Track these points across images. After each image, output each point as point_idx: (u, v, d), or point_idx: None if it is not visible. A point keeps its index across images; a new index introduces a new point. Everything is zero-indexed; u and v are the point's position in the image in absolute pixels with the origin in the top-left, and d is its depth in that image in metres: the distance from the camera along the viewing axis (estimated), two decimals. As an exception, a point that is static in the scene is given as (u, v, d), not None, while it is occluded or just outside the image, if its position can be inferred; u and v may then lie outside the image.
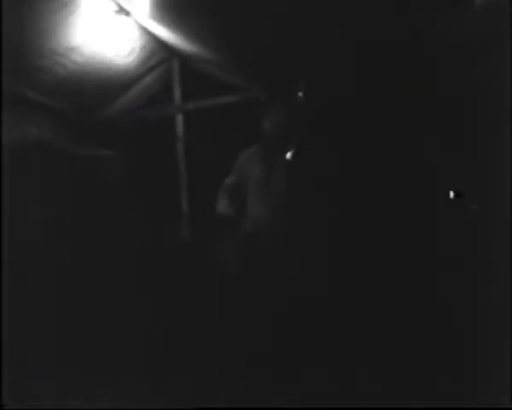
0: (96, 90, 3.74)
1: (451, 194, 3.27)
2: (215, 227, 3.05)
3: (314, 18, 3.27)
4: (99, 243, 3.45)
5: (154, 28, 3.34)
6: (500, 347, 2.41)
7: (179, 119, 4.17)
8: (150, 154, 4.13)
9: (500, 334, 2.43)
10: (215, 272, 3.10)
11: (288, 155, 3.10)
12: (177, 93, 4.14)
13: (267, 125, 3.02)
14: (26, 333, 2.65)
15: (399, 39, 3.28)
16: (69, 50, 3.14)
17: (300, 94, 3.98)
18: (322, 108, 3.66)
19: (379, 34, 3.22)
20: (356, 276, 3.15)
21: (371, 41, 3.28)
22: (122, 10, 3.02)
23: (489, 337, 2.55)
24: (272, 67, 3.94)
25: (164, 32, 3.42)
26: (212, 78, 4.05)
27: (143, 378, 2.66)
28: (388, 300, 3.09)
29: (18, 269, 2.78)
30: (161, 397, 2.51)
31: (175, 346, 2.89)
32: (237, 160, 3.10)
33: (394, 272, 3.21)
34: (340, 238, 3.11)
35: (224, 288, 2.96)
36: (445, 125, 3.38)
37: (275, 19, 3.34)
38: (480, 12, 2.81)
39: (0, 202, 2.88)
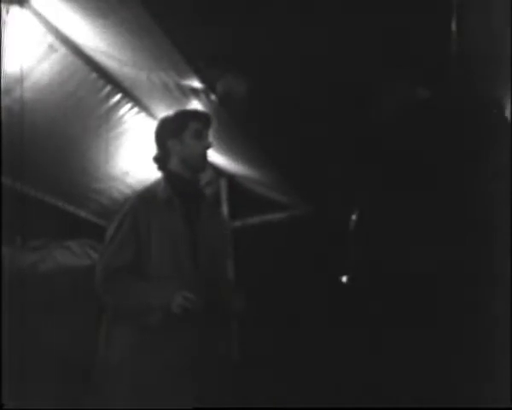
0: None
1: None
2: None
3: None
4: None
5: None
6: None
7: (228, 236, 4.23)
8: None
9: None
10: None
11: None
12: (224, 211, 4.25)
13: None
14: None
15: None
16: (123, 174, 3.36)
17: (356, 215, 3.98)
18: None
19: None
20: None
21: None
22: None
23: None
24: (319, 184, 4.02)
25: (212, 154, 3.60)
26: (258, 196, 4.15)
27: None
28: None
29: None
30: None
31: None
32: None
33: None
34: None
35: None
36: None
37: (322, 141, 3.48)
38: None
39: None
